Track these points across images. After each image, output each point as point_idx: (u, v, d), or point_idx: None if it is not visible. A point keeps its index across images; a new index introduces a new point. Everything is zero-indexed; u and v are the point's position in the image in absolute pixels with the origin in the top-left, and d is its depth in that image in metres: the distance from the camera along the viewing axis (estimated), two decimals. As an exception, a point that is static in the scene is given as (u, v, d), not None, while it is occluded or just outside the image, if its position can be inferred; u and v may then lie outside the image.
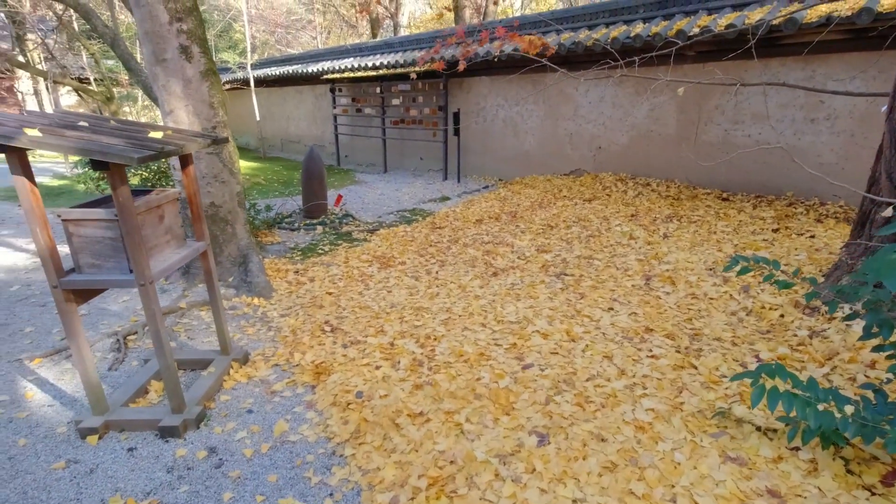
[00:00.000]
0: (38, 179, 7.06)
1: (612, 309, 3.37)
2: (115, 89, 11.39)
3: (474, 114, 9.28)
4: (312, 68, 11.70)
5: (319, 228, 6.04)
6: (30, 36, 12.85)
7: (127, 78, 13.10)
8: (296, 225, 6.15)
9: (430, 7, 26.25)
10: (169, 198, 2.31)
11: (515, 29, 6.46)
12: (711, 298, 3.39)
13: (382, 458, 2.05)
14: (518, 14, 18.37)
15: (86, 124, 2.05)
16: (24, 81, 13.83)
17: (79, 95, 12.66)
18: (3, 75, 14.40)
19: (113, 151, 1.75)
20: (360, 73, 11.19)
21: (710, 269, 3.84)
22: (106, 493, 1.94)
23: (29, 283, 4.19)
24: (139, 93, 13.76)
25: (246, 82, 13.17)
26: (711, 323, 3.06)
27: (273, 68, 13.59)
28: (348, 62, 10.88)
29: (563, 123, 7.90)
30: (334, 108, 11.89)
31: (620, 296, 3.55)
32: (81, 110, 14.45)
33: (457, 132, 9.03)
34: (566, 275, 4.07)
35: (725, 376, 2.48)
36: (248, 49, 12.75)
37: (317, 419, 2.36)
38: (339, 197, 7.06)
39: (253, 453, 2.15)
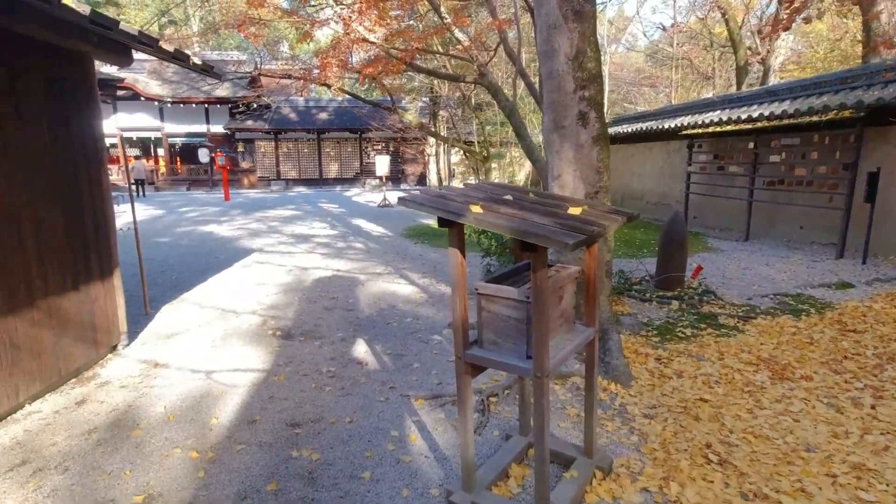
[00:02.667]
0: (426, 221, 8.58)
1: None
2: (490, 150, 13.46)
3: (904, 173, 6.79)
4: (668, 124, 11.05)
5: (675, 304, 5.26)
6: (441, 113, 16.67)
7: (496, 140, 15.41)
8: (647, 295, 5.55)
9: (815, 46, 21.76)
10: (571, 277, 2.10)
11: None
12: None
13: None
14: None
15: (510, 198, 2.02)
16: (429, 146, 18.01)
17: (464, 155, 15.53)
18: (419, 142, 19.19)
19: (547, 234, 1.58)
20: (728, 127, 9.90)
21: None
22: None
23: (418, 317, 4.94)
24: (507, 153, 15.94)
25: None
26: None
27: (625, 126, 13.56)
28: (713, 115, 9.75)
29: None
30: (689, 164, 10.87)
31: None
32: (461, 169, 17.86)
33: (871, 197, 6.74)
34: None
35: None
36: (605, 108, 13.13)
37: None
38: (699, 268, 6.10)
39: None
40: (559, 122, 3.55)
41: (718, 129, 10.20)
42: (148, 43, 3.21)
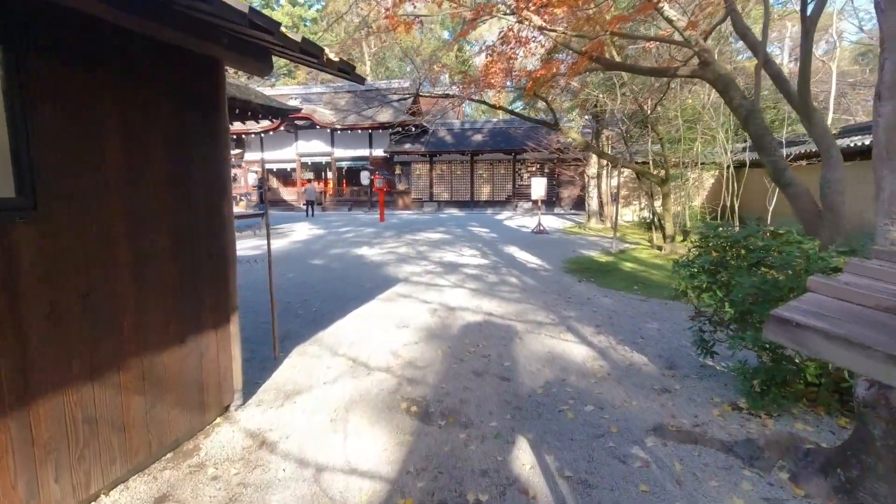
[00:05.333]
0: (587, 252, 6.79)
1: None
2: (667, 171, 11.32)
3: None
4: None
5: None
6: (604, 132, 14.93)
7: (674, 159, 13.05)
8: None
9: None
10: None
11: None
12: None
13: None
14: None
15: None
16: (590, 167, 16.29)
17: (637, 178, 13.51)
18: (580, 164, 17.58)
19: None
20: None
21: None
22: None
23: (601, 403, 3.49)
24: (686, 175, 13.50)
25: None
26: None
27: (856, 138, 10.36)
28: None
29: None
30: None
31: None
32: (623, 192, 15.73)
33: None
34: None
35: None
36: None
37: None
38: None
39: None
40: (923, 113, 1.92)
41: None
42: (267, 28, 2.41)
